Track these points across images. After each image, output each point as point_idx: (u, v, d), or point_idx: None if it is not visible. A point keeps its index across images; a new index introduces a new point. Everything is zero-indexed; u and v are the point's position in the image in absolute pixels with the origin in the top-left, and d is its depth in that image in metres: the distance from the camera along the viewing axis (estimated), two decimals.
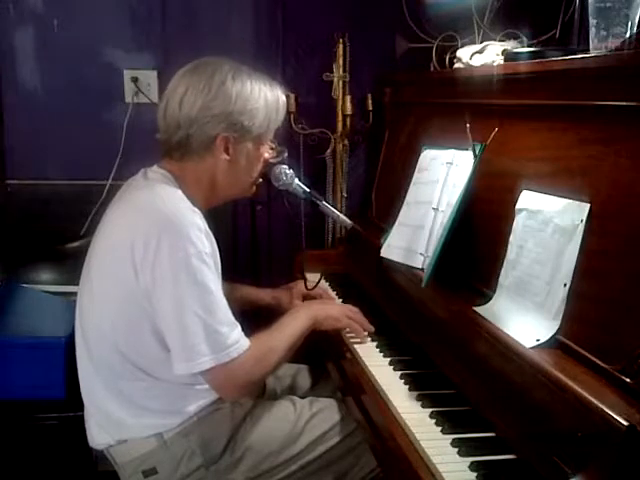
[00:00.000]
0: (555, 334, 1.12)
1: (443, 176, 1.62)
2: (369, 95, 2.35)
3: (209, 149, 1.45)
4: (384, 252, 1.77)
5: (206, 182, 1.49)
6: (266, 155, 1.57)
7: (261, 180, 1.63)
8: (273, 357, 1.46)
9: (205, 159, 1.46)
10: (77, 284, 1.52)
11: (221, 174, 1.49)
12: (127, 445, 1.46)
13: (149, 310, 1.36)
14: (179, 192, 1.42)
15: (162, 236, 1.31)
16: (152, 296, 1.34)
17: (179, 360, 1.35)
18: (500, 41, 1.87)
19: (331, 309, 1.67)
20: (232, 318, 1.39)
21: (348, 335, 1.63)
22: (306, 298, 1.84)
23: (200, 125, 1.42)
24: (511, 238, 1.29)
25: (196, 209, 1.40)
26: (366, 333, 1.63)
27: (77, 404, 1.55)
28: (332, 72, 2.28)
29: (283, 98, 1.55)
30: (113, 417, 1.45)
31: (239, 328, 1.40)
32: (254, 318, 1.56)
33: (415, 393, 1.32)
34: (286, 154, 1.66)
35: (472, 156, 1.49)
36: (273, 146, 1.60)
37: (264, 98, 1.48)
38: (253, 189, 1.61)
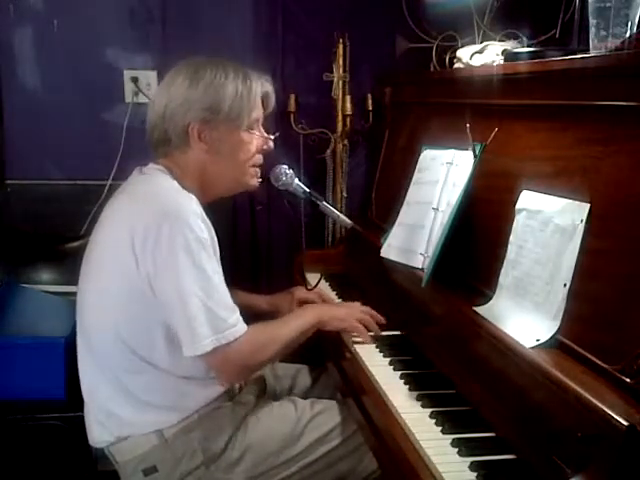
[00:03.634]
0: (555, 334, 1.12)
1: (443, 176, 1.62)
2: (369, 95, 2.35)
3: (186, 140, 1.48)
4: (384, 252, 1.77)
5: (197, 174, 1.51)
6: (256, 142, 1.55)
7: (260, 180, 1.62)
8: (272, 347, 1.47)
9: (187, 151, 1.49)
10: (77, 284, 1.52)
11: (208, 164, 1.51)
12: (127, 443, 1.46)
13: (151, 298, 1.37)
14: (175, 183, 1.45)
15: (161, 223, 1.34)
16: (154, 283, 1.36)
17: (186, 343, 1.37)
18: (500, 41, 1.88)
19: (337, 310, 1.66)
20: (231, 302, 1.40)
21: (349, 335, 1.63)
22: (303, 304, 1.78)
23: (170, 118, 1.47)
24: (511, 238, 1.29)
25: (192, 196, 1.43)
26: (371, 333, 1.61)
27: (77, 404, 1.56)
28: (332, 72, 2.28)
29: (263, 86, 1.54)
30: (114, 413, 1.45)
31: (237, 313, 1.41)
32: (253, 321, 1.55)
33: (415, 393, 1.32)
34: (272, 139, 1.61)
35: (472, 156, 1.49)
36: (264, 135, 1.58)
37: (232, 83, 1.48)
38: (253, 181, 1.59)
